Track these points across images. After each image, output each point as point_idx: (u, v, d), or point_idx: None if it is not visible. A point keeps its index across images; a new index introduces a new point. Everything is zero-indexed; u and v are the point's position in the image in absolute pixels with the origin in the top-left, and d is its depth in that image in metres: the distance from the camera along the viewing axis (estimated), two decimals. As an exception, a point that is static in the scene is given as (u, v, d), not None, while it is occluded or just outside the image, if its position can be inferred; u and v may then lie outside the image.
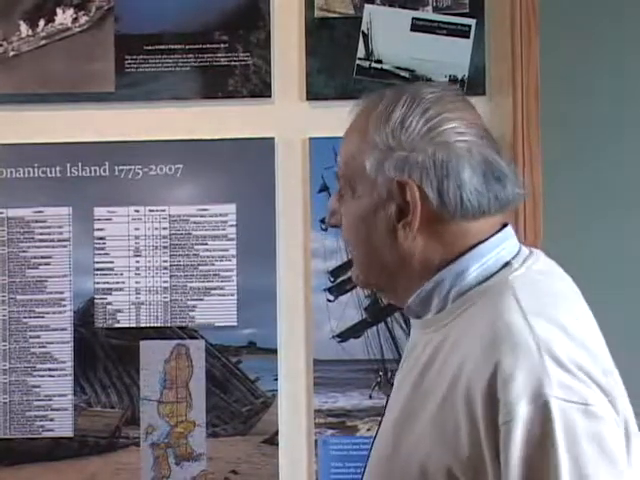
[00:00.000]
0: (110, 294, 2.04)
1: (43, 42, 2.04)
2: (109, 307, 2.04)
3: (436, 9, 2.00)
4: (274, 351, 2.01)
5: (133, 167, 2.04)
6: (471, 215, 1.20)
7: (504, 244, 1.23)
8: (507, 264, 1.21)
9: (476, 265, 1.21)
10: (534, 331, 1.11)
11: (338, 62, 2.01)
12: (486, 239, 1.22)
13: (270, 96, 2.03)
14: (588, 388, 1.09)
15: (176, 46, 2.04)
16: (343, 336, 2.01)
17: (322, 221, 2.01)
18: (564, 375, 1.09)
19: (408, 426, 1.23)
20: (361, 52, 2.01)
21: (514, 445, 1.07)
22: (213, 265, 2.03)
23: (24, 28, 2.04)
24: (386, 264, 1.25)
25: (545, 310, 1.15)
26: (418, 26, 2.00)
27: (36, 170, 2.04)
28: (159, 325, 2.03)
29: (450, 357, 1.18)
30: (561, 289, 1.23)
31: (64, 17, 2.04)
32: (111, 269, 2.04)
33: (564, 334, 1.12)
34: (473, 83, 1.97)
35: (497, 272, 1.21)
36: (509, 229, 1.25)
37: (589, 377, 1.10)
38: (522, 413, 1.07)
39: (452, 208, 1.19)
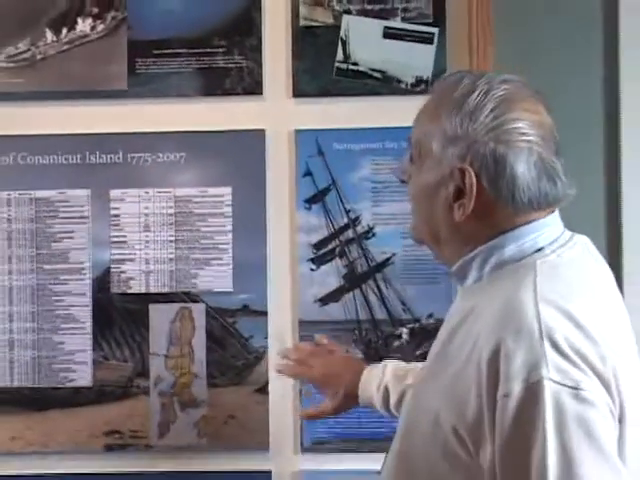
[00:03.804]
0: (124, 264, 2.08)
1: (66, 47, 2.07)
2: (123, 275, 2.08)
3: (404, 19, 2.05)
4: (265, 313, 2.05)
5: (143, 155, 2.07)
6: (521, 208, 1.21)
7: (544, 230, 1.23)
8: (541, 249, 1.22)
9: (513, 245, 1.22)
10: (540, 316, 1.11)
11: (320, 64, 2.05)
12: (529, 222, 1.22)
13: (261, 93, 2.07)
14: (583, 373, 1.08)
15: (181, 50, 2.07)
16: (324, 300, 2.07)
17: (306, 201, 2.07)
18: (560, 359, 1.08)
19: (429, 384, 1.26)
20: (340, 56, 2.05)
21: (507, 419, 1.08)
22: (212, 239, 2.07)
23: (49, 35, 2.07)
24: (438, 232, 1.28)
25: (557, 298, 1.14)
26: (389, 34, 2.05)
27: (59, 157, 2.08)
28: (166, 291, 2.07)
29: (473, 326, 1.19)
30: (584, 279, 1.21)
31: (84, 25, 2.07)
32: (124, 242, 2.08)
33: (569, 321, 1.12)
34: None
35: (529, 255, 1.21)
36: (552, 217, 1.24)
37: (586, 363, 1.09)
38: (517, 390, 1.08)
39: (504, 200, 1.20)
